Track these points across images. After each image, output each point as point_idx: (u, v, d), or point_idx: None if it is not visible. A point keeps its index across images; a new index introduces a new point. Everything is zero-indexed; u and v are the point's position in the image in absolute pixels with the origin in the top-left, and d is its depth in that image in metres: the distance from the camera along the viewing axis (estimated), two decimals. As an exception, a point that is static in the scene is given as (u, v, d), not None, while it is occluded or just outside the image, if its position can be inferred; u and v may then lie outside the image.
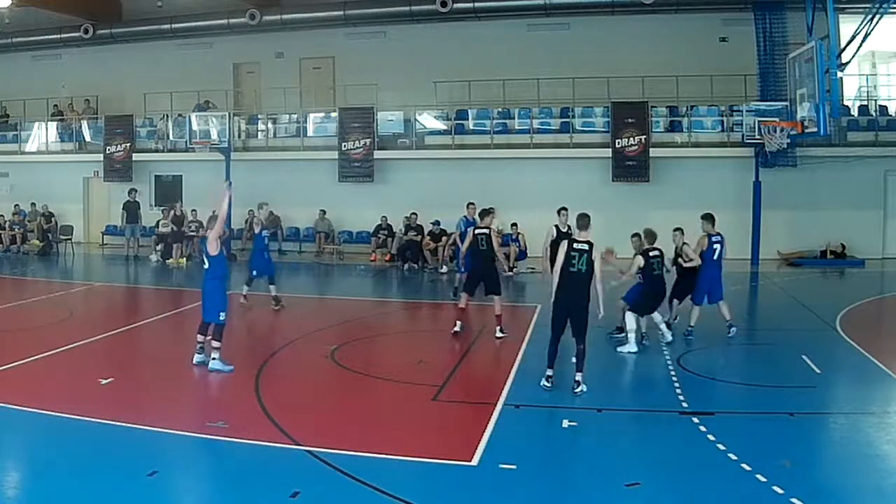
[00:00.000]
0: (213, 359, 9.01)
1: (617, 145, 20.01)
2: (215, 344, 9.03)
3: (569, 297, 8.19)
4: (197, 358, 9.21)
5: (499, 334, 10.85)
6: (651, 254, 10.15)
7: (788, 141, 17.22)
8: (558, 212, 12.29)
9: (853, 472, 6.19)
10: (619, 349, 10.03)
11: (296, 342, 10.94)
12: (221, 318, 9.08)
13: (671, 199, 19.04)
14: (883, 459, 6.56)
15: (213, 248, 9.16)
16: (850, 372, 9.46)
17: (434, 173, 21.08)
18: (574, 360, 8.29)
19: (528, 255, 18.83)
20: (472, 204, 14.54)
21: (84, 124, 24.49)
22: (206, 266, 9.32)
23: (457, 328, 11.05)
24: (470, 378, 9.39)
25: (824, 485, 5.97)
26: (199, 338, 9.22)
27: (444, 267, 18.56)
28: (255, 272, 13.29)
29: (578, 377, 8.19)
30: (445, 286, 16.95)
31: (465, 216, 14.40)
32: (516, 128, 21.42)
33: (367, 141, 21.40)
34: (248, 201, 21.24)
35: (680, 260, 10.86)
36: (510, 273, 17.93)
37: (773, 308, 14.10)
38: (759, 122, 18.28)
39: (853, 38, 13.76)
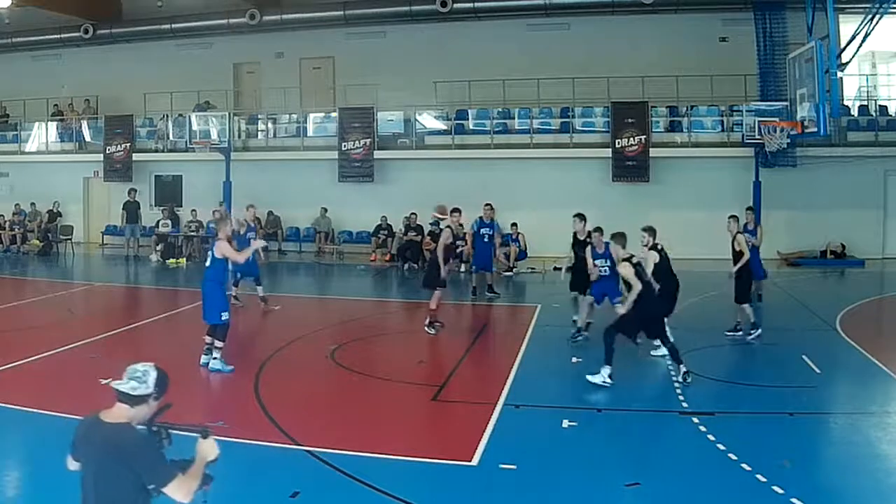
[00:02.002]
0: (214, 358, 9.02)
1: (617, 145, 20.01)
2: (218, 344, 9.05)
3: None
4: (204, 359, 9.21)
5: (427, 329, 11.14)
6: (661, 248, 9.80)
7: (788, 141, 17.20)
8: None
9: (853, 472, 6.19)
10: (652, 353, 9.54)
11: (296, 342, 10.94)
12: (224, 318, 9.10)
13: (671, 199, 19.06)
14: (883, 459, 6.56)
15: (219, 252, 9.21)
16: (850, 372, 9.47)
17: (434, 173, 21.06)
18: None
19: (528, 254, 18.84)
20: (489, 205, 14.95)
21: (84, 124, 24.48)
22: (208, 264, 9.35)
23: (433, 329, 11.18)
24: (470, 378, 9.39)
25: (824, 485, 5.97)
26: (208, 339, 9.22)
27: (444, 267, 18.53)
28: (239, 273, 12.98)
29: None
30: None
31: (480, 217, 14.71)
32: (516, 128, 21.42)
33: (367, 141, 21.40)
34: (247, 202, 21.25)
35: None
36: (510, 273, 17.93)
37: (773, 308, 14.08)
38: (759, 122, 18.27)
39: (853, 38, 13.73)
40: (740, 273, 10.74)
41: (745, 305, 10.81)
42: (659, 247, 9.85)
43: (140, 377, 3.35)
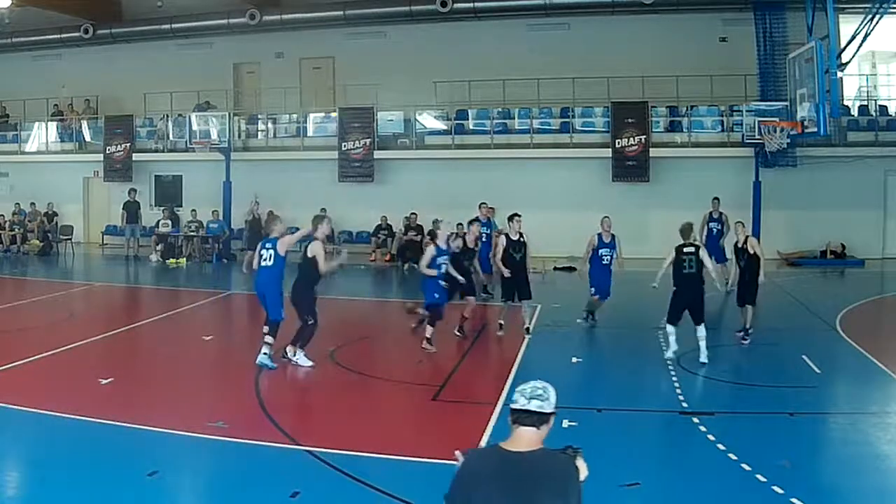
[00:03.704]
0: (265, 353, 9.10)
1: (617, 145, 20.01)
2: (270, 340, 9.13)
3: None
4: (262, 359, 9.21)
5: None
6: (685, 250, 9.54)
7: (788, 141, 17.21)
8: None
9: (853, 472, 6.20)
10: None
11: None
12: (283, 315, 9.30)
13: (671, 199, 19.04)
14: (883, 459, 6.56)
15: (282, 249, 9.43)
16: (850, 372, 9.47)
17: (434, 173, 21.07)
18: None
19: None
20: (485, 203, 14.73)
21: (84, 124, 24.47)
22: (271, 263, 9.37)
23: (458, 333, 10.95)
24: (470, 378, 9.39)
25: (824, 485, 5.98)
26: (269, 339, 9.22)
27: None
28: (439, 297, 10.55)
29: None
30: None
31: (476, 217, 14.61)
32: (516, 128, 21.41)
33: (367, 141, 21.39)
34: (247, 201, 21.21)
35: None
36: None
37: (773, 308, 14.09)
38: (759, 122, 18.28)
39: (853, 38, 13.73)
40: (752, 275, 10.61)
41: (750, 307, 10.71)
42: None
43: (542, 395, 3.10)
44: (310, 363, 9.23)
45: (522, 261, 10.98)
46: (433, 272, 10.26)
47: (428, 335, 10.09)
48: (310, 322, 9.24)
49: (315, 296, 9.54)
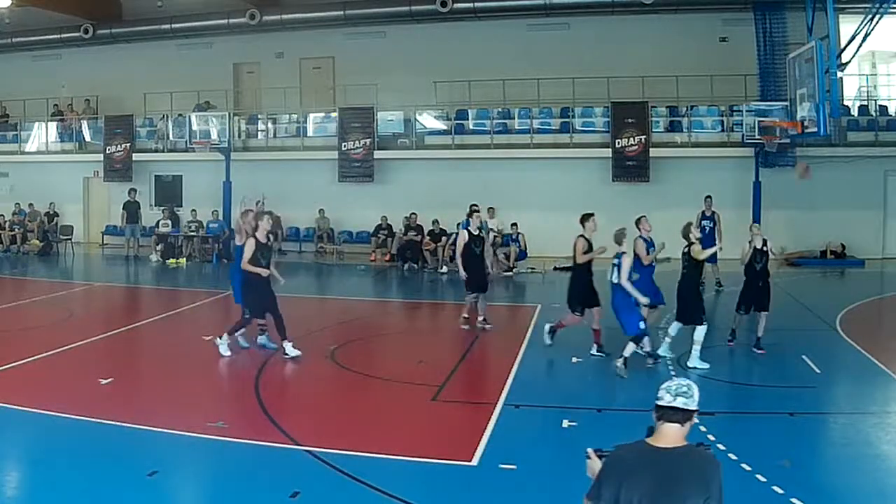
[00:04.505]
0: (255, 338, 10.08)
1: (617, 145, 20.01)
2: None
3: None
4: (260, 339, 10.17)
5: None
6: (683, 251, 9.62)
7: (788, 141, 17.21)
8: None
9: (853, 472, 6.20)
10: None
11: (296, 342, 10.91)
12: (240, 301, 9.91)
13: (671, 199, 19.03)
14: (883, 459, 6.56)
15: (239, 240, 9.88)
16: (850, 372, 9.47)
17: (434, 173, 21.08)
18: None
19: (528, 254, 18.83)
20: (475, 205, 14.59)
21: (84, 124, 24.47)
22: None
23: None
24: (470, 378, 9.40)
25: (824, 485, 5.98)
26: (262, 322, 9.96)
27: (445, 267, 18.56)
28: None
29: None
30: (445, 286, 16.96)
31: (467, 217, 14.52)
32: (516, 128, 21.41)
33: (367, 141, 21.39)
34: (252, 200, 21.26)
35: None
36: (510, 273, 17.93)
37: (774, 308, 14.05)
38: (759, 122, 18.29)
39: (853, 38, 13.74)
40: (766, 279, 10.29)
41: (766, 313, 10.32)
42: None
43: (686, 392, 3.18)
44: (228, 353, 9.60)
45: (482, 254, 11.38)
46: (635, 292, 8.80)
47: (627, 354, 8.79)
48: (245, 316, 9.65)
49: (261, 290, 9.51)
